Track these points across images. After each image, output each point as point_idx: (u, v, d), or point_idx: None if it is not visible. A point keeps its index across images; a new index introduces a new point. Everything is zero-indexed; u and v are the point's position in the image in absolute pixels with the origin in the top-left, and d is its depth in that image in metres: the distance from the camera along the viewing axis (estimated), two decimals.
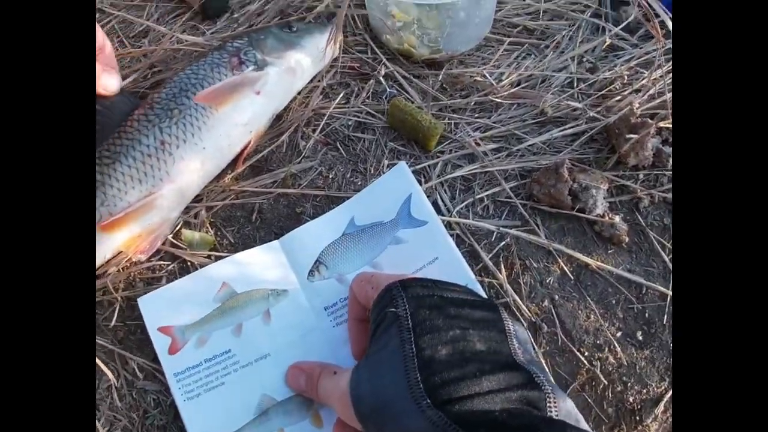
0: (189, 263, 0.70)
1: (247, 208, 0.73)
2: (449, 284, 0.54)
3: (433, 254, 0.66)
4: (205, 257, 0.70)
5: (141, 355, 0.66)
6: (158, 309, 0.66)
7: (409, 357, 0.48)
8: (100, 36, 0.74)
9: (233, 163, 0.75)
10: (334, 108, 0.78)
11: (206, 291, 0.66)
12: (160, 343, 0.64)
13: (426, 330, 0.49)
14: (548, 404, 0.45)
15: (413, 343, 0.48)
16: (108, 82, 0.72)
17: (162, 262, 0.70)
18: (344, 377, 0.53)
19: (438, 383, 0.46)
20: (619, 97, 0.77)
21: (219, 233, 0.72)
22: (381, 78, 0.79)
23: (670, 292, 0.67)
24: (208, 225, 0.73)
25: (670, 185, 0.72)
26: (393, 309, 0.51)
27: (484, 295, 0.63)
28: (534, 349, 0.53)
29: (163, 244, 0.71)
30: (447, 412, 0.43)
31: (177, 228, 0.72)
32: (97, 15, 0.92)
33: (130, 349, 0.66)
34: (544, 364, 0.64)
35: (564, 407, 0.45)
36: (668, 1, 0.81)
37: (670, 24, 0.69)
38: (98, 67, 0.71)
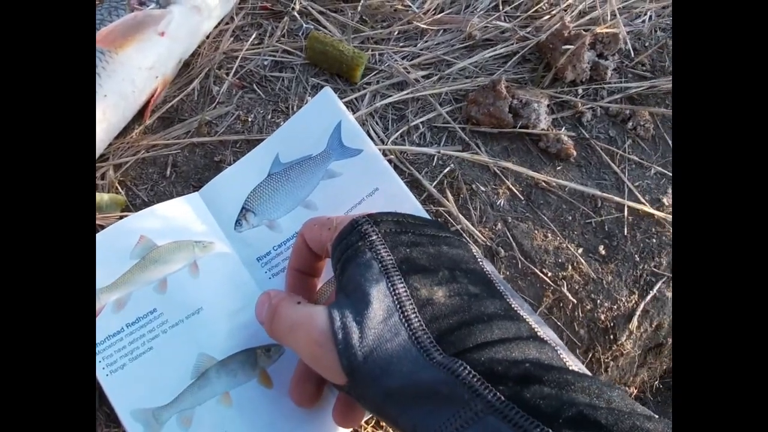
0: (99, 227, 0.62)
1: (160, 163, 0.66)
2: (418, 218, 0.48)
3: (372, 185, 0.59)
4: (117, 219, 0.62)
5: None
6: None
7: (404, 297, 0.40)
8: None
9: (140, 116, 0.68)
10: (247, 49, 0.72)
11: (121, 247, 0.57)
12: None
13: (413, 269, 0.42)
14: (561, 357, 0.38)
15: (404, 282, 0.41)
16: None
17: None
18: (316, 314, 0.43)
19: (445, 328, 0.39)
20: (547, 16, 0.74)
21: (130, 193, 0.65)
22: (296, 14, 0.73)
23: (626, 202, 0.63)
24: (117, 185, 0.65)
25: (611, 98, 0.69)
26: (367, 244, 0.44)
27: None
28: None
29: None
30: (468, 362, 0.36)
31: None
32: None
33: None
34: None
35: (573, 360, 0.39)
36: None
37: None
38: None
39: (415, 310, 0.40)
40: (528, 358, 0.37)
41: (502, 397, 0.35)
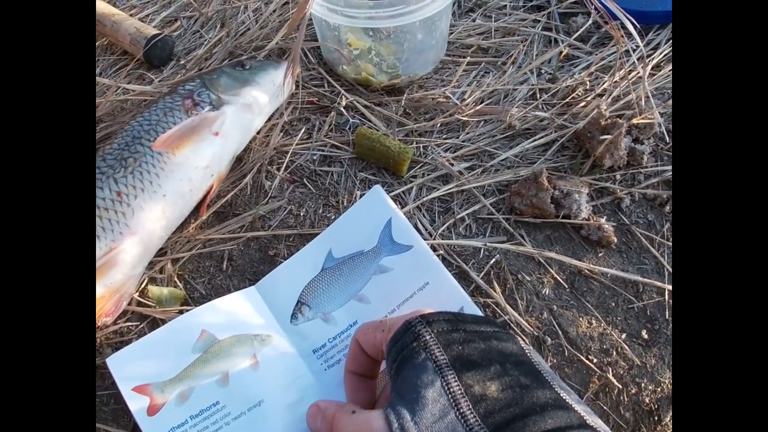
0: (160, 321, 0.64)
1: (216, 257, 0.69)
2: (466, 316, 0.49)
3: (422, 280, 0.61)
4: (176, 313, 0.64)
5: (118, 426, 0.60)
6: (131, 368, 0.58)
7: (458, 395, 0.42)
8: None
9: (196, 212, 0.71)
10: (296, 144, 0.75)
11: (184, 341, 0.60)
12: (137, 406, 0.57)
13: (466, 366, 0.44)
14: None
15: (458, 380, 0.43)
16: None
17: (130, 324, 0.65)
18: (373, 419, 0.44)
19: (500, 422, 0.40)
20: (583, 103, 0.76)
21: (189, 286, 0.67)
22: (342, 109, 0.77)
23: (667, 287, 0.65)
24: (176, 278, 0.68)
25: (648, 182, 0.71)
26: (421, 345, 0.45)
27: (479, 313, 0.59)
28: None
29: (129, 303, 0.65)
30: None
31: (142, 285, 0.67)
32: None
33: (105, 421, 0.60)
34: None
35: None
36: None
37: (629, 26, 0.69)
38: None
39: (470, 406, 0.41)
40: None
41: None
